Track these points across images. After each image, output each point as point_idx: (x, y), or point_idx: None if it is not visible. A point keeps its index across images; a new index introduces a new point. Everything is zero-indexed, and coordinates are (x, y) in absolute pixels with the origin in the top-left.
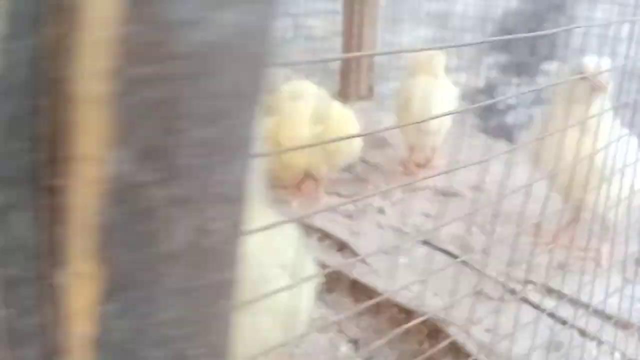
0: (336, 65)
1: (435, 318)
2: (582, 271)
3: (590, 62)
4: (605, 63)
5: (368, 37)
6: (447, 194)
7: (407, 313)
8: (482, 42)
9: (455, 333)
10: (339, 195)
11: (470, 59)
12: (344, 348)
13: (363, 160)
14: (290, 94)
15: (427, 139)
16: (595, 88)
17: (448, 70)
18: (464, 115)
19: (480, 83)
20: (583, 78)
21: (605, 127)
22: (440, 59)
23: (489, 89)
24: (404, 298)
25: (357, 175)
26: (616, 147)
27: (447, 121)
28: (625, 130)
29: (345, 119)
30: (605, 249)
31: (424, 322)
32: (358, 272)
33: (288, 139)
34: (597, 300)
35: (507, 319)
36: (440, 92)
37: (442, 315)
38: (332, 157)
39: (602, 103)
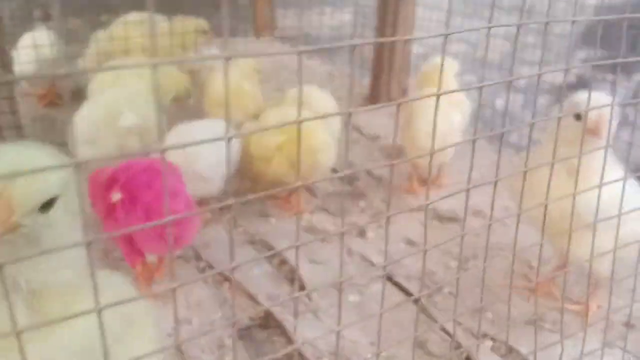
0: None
1: None
2: (555, 328)
3: (583, 100)
4: (603, 100)
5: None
6: (443, 218)
7: None
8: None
9: None
10: (327, 211)
11: (559, 52)
12: None
13: (368, 173)
14: (293, 99)
15: (428, 158)
16: (588, 130)
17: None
18: (476, 131)
19: (571, 79)
20: (577, 117)
21: (594, 171)
22: (450, 68)
23: (581, 86)
24: (328, 346)
25: (356, 188)
26: (608, 193)
27: (454, 138)
28: (621, 175)
29: (309, 130)
30: (594, 304)
31: None
32: (289, 311)
33: (255, 146)
34: None
35: None
36: (446, 106)
37: None
38: (299, 167)
39: (596, 145)
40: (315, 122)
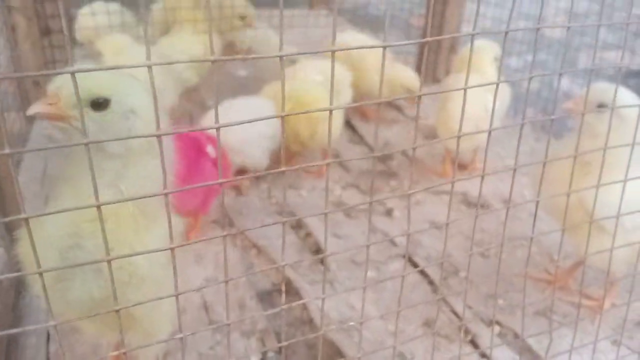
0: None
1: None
2: (565, 321)
3: (606, 89)
4: (627, 98)
5: (453, 13)
6: (472, 204)
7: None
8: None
9: None
10: (358, 188)
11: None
12: (254, 358)
13: (404, 153)
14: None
15: (460, 142)
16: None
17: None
18: (519, 115)
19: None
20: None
21: (612, 167)
22: (488, 52)
23: None
24: (340, 315)
25: (389, 167)
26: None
27: (488, 123)
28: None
29: (312, 99)
30: (608, 301)
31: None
32: (312, 280)
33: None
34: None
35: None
36: (482, 91)
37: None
38: (299, 136)
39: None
40: (320, 92)
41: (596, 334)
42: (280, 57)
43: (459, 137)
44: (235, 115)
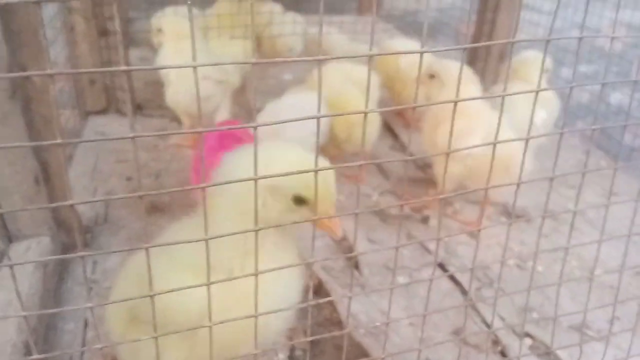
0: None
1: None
2: (598, 336)
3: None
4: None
5: (504, 21)
6: (511, 214)
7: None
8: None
9: None
10: (395, 195)
11: None
12: (282, 356)
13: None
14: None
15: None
16: None
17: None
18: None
19: None
20: None
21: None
22: (538, 63)
23: None
24: (368, 319)
25: (429, 176)
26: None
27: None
28: None
29: (347, 102)
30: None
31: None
32: (344, 283)
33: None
34: None
35: None
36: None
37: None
38: (336, 138)
39: None
40: (355, 95)
41: (628, 349)
42: (319, 60)
43: (494, 144)
44: (287, 113)
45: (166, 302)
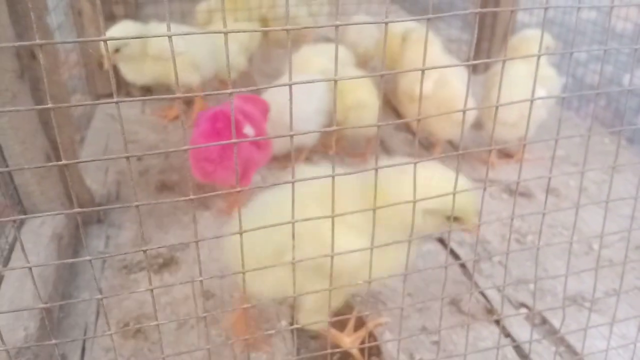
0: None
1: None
2: (595, 308)
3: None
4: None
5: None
6: (514, 192)
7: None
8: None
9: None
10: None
11: None
12: (284, 322)
13: (449, 142)
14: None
15: (505, 131)
16: None
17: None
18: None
19: None
20: None
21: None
22: (534, 42)
23: None
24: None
25: (432, 155)
26: None
27: (536, 113)
28: None
29: (348, 87)
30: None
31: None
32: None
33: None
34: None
35: (459, 337)
36: (530, 81)
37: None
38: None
39: None
40: (356, 80)
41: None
42: (288, 31)
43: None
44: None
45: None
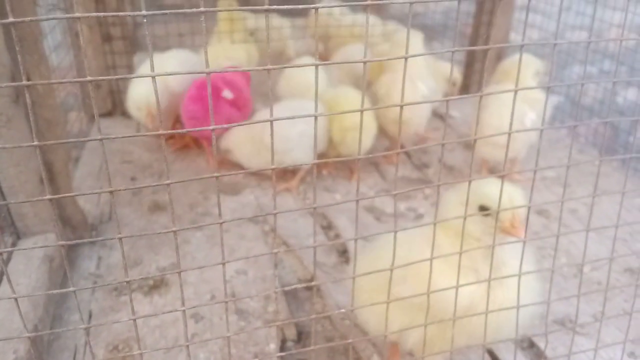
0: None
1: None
2: (583, 331)
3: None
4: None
5: (500, 22)
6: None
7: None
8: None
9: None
10: (387, 192)
11: None
12: (273, 345)
13: (440, 160)
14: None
15: (495, 152)
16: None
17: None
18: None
19: None
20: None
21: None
22: (529, 66)
23: None
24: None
25: (425, 175)
26: None
27: (525, 136)
28: None
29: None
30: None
31: None
32: (331, 278)
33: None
34: None
35: None
36: (519, 104)
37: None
38: (332, 141)
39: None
40: (354, 100)
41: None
42: (268, 70)
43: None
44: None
45: (441, 295)
